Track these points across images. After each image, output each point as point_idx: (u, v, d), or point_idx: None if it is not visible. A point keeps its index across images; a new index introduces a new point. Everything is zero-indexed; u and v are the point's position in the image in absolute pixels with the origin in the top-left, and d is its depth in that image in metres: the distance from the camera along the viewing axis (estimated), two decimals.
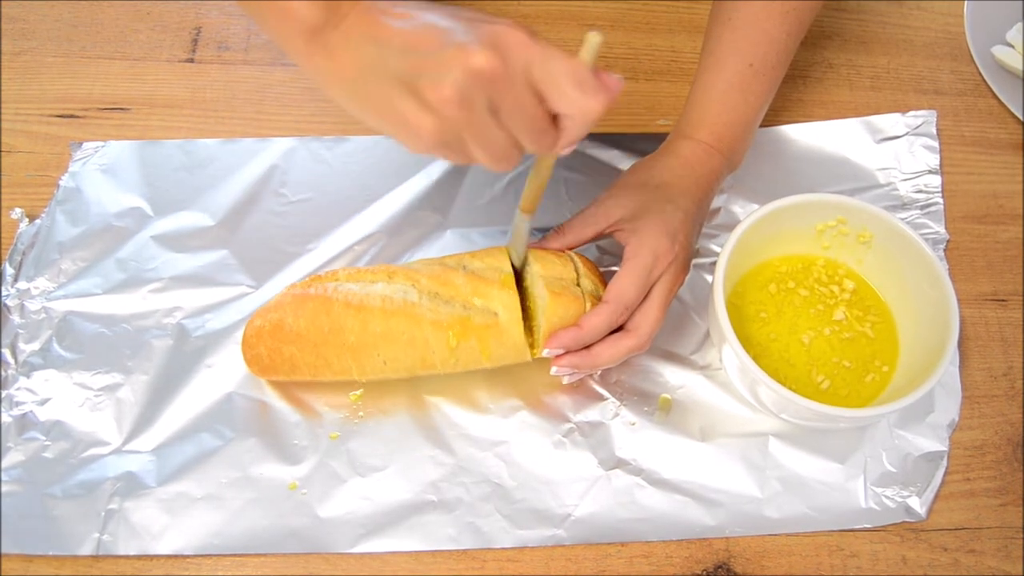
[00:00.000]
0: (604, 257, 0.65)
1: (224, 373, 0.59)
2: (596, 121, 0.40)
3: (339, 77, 0.42)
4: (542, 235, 0.58)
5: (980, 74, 0.77)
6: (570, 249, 0.57)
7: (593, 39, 0.41)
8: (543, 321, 0.53)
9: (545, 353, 0.53)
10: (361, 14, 0.41)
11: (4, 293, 0.61)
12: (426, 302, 0.53)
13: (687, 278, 0.62)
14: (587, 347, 0.53)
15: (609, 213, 0.56)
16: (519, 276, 0.56)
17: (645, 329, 0.53)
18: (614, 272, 0.54)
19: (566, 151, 0.43)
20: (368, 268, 0.56)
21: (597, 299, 0.54)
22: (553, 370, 0.54)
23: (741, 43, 0.59)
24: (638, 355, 0.58)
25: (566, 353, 0.53)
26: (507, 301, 0.53)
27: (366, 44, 0.41)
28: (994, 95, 0.75)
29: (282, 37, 0.44)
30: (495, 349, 0.53)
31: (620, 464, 0.57)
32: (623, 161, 0.70)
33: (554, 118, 0.41)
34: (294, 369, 0.55)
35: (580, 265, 0.56)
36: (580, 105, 0.40)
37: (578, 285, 0.55)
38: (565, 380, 0.57)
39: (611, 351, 0.53)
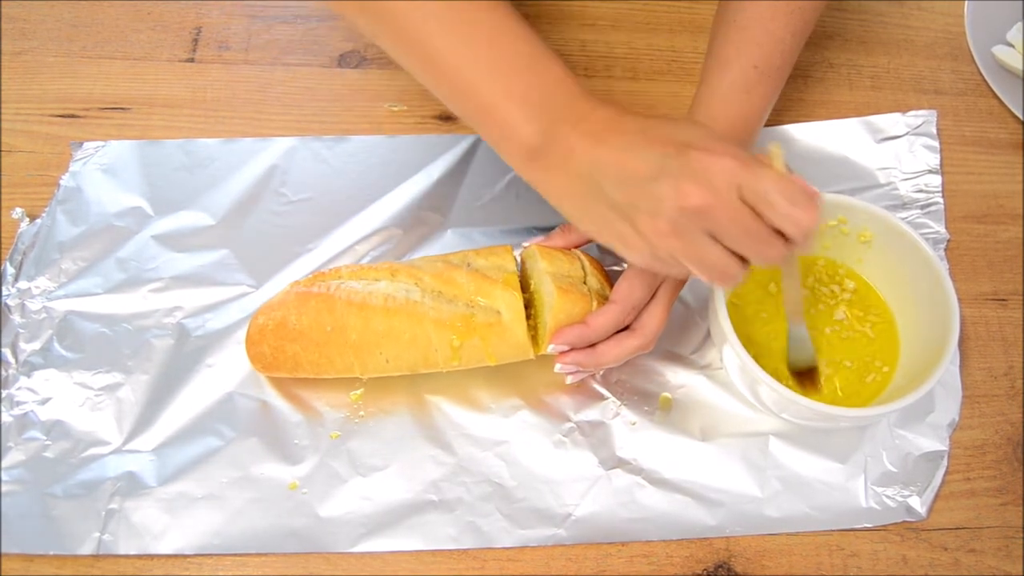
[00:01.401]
0: (605, 256, 0.65)
1: (225, 373, 0.59)
2: (813, 231, 0.43)
3: (558, 193, 0.47)
4: (545, 234, 0.58)
5: (980, 74, 0.77)
6: (576, 247, 0.58)
7: (777, 151, 0.44)
8: (549, 317, 0.53)
9: (550, 349, 0.53)
10: (580, 137, 0.45)
11: (5, 293, 0.61)
12: (429, 301, 0.53)
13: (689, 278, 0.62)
14: (592, 345, 0.53)
15: None
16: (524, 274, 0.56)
17: (650, 329, 0.53)
18: (616, 271, 0.54)
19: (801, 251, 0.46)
20: (371, 266, 0.56)
21: (603, 298, 0.54)
22: (557, 367, 0.54)
23: (746, 44, 0.59)
24: (641, 355, 0.58)
25: (571, 350, 0.53)
26: (510, 301, 0.53)
27: (583, 168, 0.45)
28: (994, 95, 0.75)
29: (501, 150, 0.48)
30: (498, 348, 0.53)
31: (620, 464, 0.57)
32: None
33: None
34: (297, 366, 0.55)
35: (586, 263, 0.56)
36: (794, 220, 0.42)
37: (584, 283, 0.55)
38: (569, 380, 0.57)
39: (616, 350, 0.53)
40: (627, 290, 0.52)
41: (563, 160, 0.45)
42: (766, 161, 0.44)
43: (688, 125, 0.46)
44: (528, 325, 0.54)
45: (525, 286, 0.57)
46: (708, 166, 0.42)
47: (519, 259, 0.58)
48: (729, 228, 0.43)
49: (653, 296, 0.53)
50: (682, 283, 0.55)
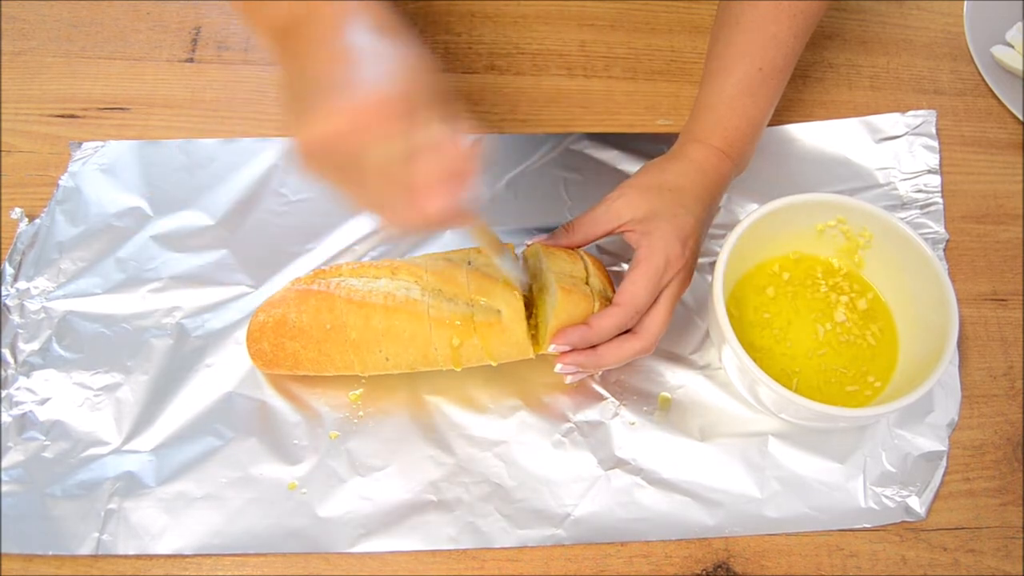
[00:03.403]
0: (604, 256, 0.65)
1: (224, 373, 0.59)
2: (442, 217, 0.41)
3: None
4: (546, 233, 0.58)
5: (980, 74, 0.77)
6: (579, 247, 0.57)
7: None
8: (552, 316, 0.53)
9: (551, 349, 0.53)
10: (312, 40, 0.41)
11: (4, 293, 0.61)
12: (429, 299, 0.53)
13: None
14: (593, 347, 0.53)
15: (620, 213, 0.55)
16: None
17: (652, 332, 0.53)
18: (617, 271, 0.53)
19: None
20: (371, 263, 0.56)
21: (605, 299, 0.54)
22: (557, 367, 0.54)
23: (750, 46, 0.59)
24: (642, 358, 0.58)
25: (572, 351, 0.53)
26: (510, 300, 0.53)
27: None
28: (994, 95, 0.75)
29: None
30: (498, 347, 0.53)
31: (619, 464, 0.57)
32: (623, 161, 0.70)
33: None
34: (297, 364, 0.55)
35: (589, 264, 0.56)
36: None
37: (587, 283, 0.55)
38: (568, 379, 0.57)
39: (617, 352, 0.53)
40: (631, 293, 0.52)
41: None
42: None
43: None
44: (528, 324, 0.54)
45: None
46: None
47: (521, 257, 0.58)
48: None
49: (656, 300, 0.53)
50: (684, 288, 0.55)
